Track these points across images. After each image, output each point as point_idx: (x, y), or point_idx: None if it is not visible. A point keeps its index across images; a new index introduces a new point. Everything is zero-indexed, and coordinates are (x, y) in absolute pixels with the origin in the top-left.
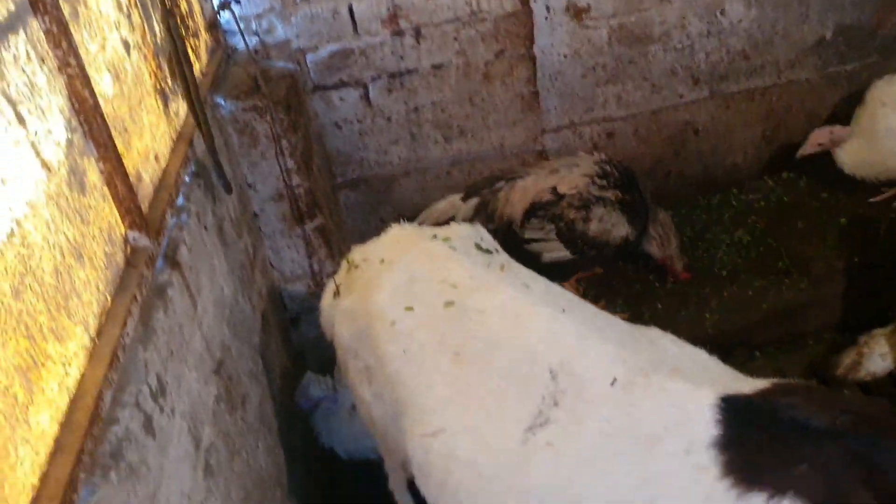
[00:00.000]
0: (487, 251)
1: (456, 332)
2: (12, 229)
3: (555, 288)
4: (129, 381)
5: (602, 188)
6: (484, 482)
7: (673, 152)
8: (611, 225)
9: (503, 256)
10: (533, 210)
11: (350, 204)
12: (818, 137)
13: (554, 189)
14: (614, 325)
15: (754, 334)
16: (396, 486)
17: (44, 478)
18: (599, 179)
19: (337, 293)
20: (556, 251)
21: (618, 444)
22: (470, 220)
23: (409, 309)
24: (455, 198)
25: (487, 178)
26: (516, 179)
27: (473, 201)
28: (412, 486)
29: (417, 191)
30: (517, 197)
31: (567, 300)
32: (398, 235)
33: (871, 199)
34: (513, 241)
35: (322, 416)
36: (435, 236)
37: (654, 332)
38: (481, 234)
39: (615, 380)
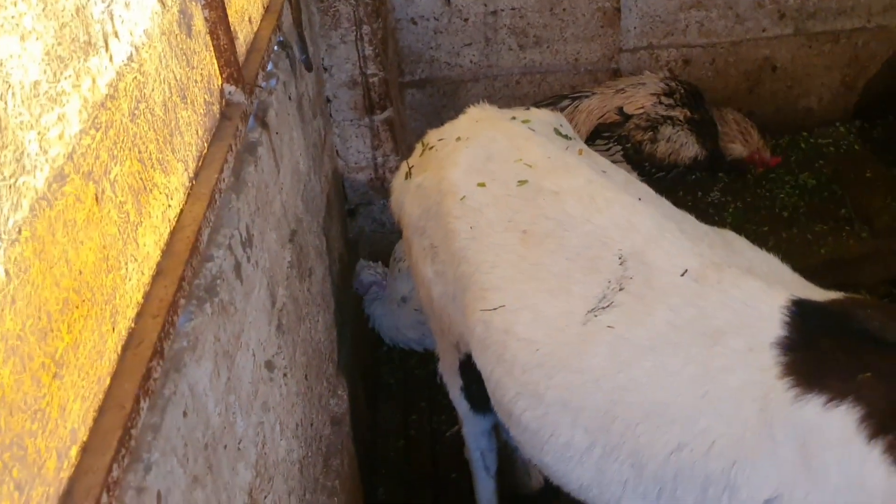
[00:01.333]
0: (567, 137)
1: (527, 211)
2: (131, 54)
3: (633, 179)
4: (223, 224)
5: (669, 107)
6: (539, 358)
7: (748, 89)
8: (679, 145)
9: (582, 143)
10: (598, 132)
11: (414, 104)
12: None
13: (620, 109)
14: (690, 221)
15: (808, 279)
16: (447, 368)
17: (147, 296)
18: (666, 98)
19: (409, 174)
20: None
21: (681, 335)
22: None
23: (482, 185)
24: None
25: (553, 97)
26: (581, 99)
27: None
28: (463, 368)
29: (484, 97)
30: (582, 118)
31: (645, 191)
32: (477, 115)
33: None
34: None
35: (371, 302)
36: (514, 118)
37: (730, 234)
38: (561, 121)
39: (686, 271)
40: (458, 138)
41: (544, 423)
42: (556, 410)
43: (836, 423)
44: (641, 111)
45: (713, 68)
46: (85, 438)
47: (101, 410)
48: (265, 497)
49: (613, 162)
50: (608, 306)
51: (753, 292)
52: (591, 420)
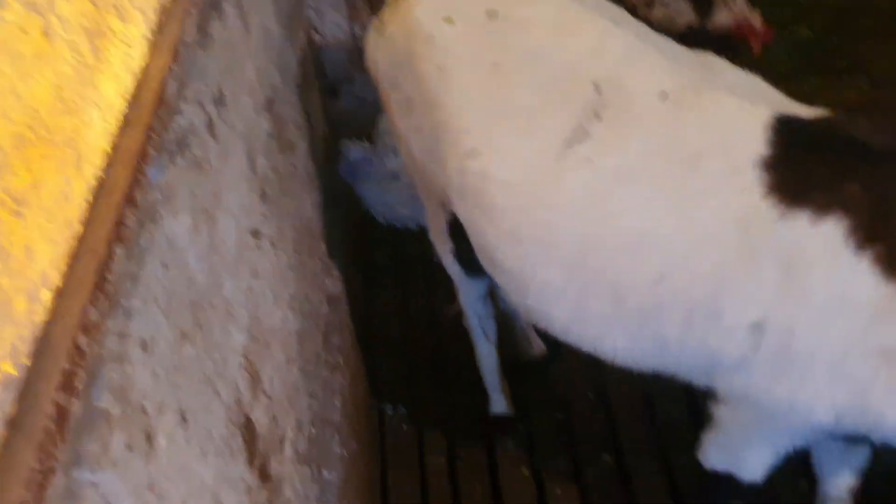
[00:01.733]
0: None
1: (496, 43)
2: None
3: (607, 3)
4: (191, 79)
5: None
6: (516, 199)
7: None
8: (675, 12)
9: None
10: None
11: None
12: None
13: None
14: (669, 43)
15: None
16: (436, 233)
17: (115, 147)
18: None
19: (380, 28)
20: None
21: (660, 161)
22: None
23: (449, 20)
24: None
25: None
26: None
27: None
28: (451, 229)
29: None
30: None
31: (622, 14)
32: None
33: None
34: None
35: (362, 181)
36: None
37: (711, 57)
38: None
39: (665, 94)
40: None
41: (525, 264)
42: (535, 250)
43: (822, 237)
44: None
45: None
46: (59, 283)
47: (75, 256)
48: (263, 361)
49: None
50: (584, 137)
51: (734, 112)
52: (570, 256)
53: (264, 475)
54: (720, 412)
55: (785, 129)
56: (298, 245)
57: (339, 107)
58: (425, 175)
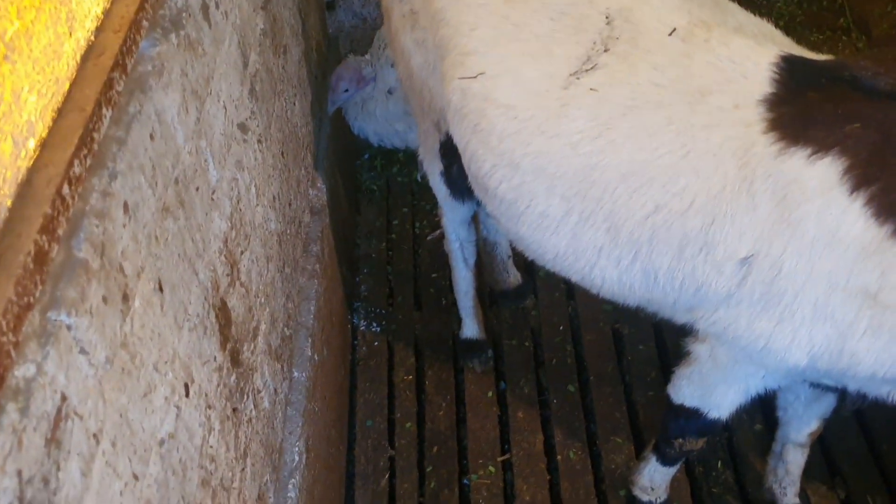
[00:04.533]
0: None
1: None
2: None
3: None
4: None
5: None
6: (517, 124)
7: None
8: None
9: None
10: None
11: None
12: None
13: None
14: None
15: None
16: (428, 151)
17: (107, 13)
18: None
19: None
20: None
21: (664, 95)
22: None
23: None
24: None
25: None
26: None
27: None
28: (444, 150)
29: None
30: None
31: None
32: None
33: None
34: None
35: (357, 101)
36: None
37: (725, 1)
38: None
39: (675, 29)
40: None
41: (521, 192)
42: (532, 179)
43: (818, 175)
44: None
45: None
46: (44, 135)
47: (61, 112)
48: (242, 252)
49: None
50: (592, 68)
51: (742, 50)
52: (569, 186)
53: (236, 360)
54: (698, 349)
55: (790, 69)
56: (285, 147)
57: (338, 22)
58: (423, 92)
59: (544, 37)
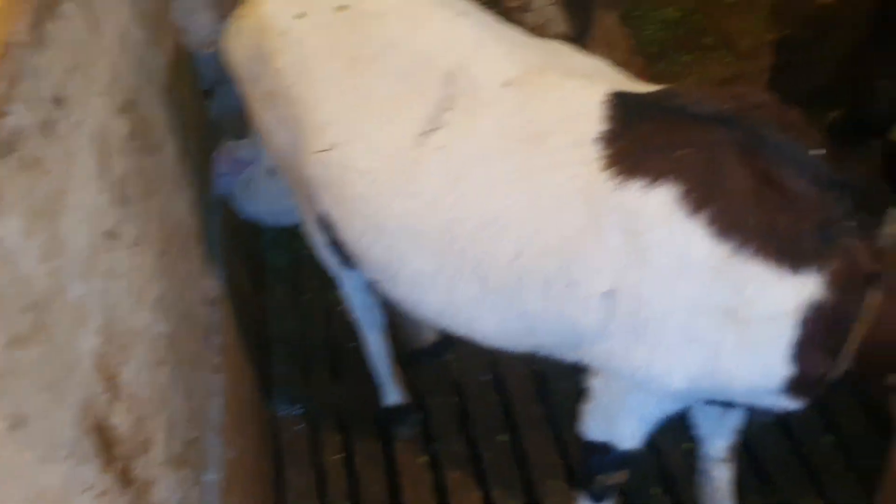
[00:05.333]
0: None
1: (349, 37)
2: None
3: None
4: (22, 79)
5: None
6: (378, 188)
7: None
8: (548, 20)
9: None
10: None
11: None
12: None
13: None
14: (515, 32)
15: None
16: (309, 225)
17: None
18: None
19: (236, 25)
20: None
21: (508, 143)
22: None
23: (301, 16)
24: None
25: None
26: None
27: None
28: (322, 222)
29: None
30: None
31: (468, 7)
32: None
33: None
34: None
35: (242, 184)
36: None
37: (556, 44)
38: None
39: (509, 81)
40: None
41: (392, 254)
42: (400, 239)
43: (657, 203)
44: None
45: None
46: None
47: None
48: (121, 364)
49: None
50: (438, 126)
51: (575, 92)
52: (435, 242)
53: (126, 479)
54: (593, 384)
55: (621, 104)
56: (168, 245)
57: (217, 107)
58: (293, 169)
59: (390, 101)
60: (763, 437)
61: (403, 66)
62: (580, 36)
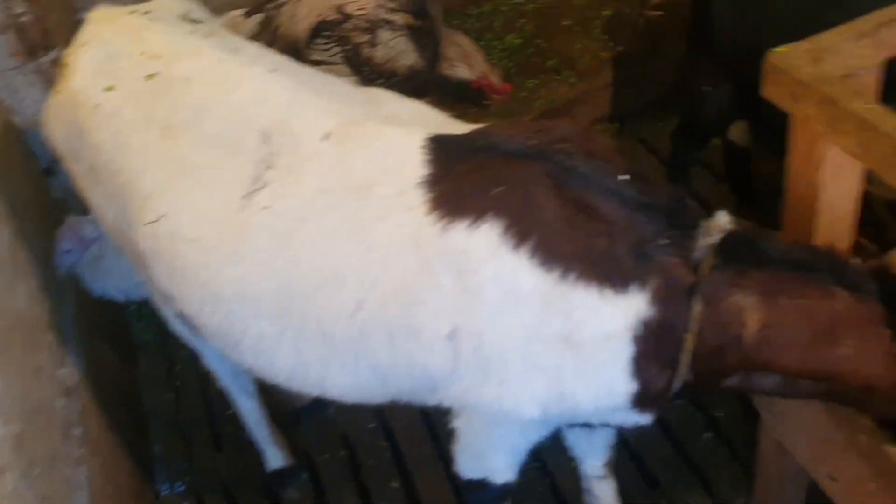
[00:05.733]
0: (195, 21)
1: (162, 104)
2: None
3: (268, 51)
4: None
5: (391, 11)
6: (207, 255)
7: None
8: (397, 52)
9: (213, 25)
10: (320, 30)
11: None
12: None
13: (341, 8)
14: (332, 83)
15: None
16: (156, 299)
17: None
18: (390, 1)
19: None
20: (344, 77)
21: (332, 197)
22: (254, 37)
23: (111, 88)
24: (236, 14)
25: None
26: None
27: (257, 17)
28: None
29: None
30: (303, 13)
31: (281, 61)
32: (97, 17)
33: None
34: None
35: (88, 261)
36: (133, 11)
37: (375, 90)
38: (190, 6)
39: (328, 134)
40: (83, 45)
41: (232, 321)
42: (238, 306)
43: (481, 242)
44: (362, 12)
45: None
46: None
47: None
48: None
49: (333, 64)
50: (261, 187)
51: (394, 139)
52: (272, 306)
53: None
54: (458, 425)
55: (439, 148)
56: (11, 340)
57: (61, 183)
58: (126, 243)
59: (210, 166)
60: (646, 443)
61: (219, 129)
62: (431, 65)
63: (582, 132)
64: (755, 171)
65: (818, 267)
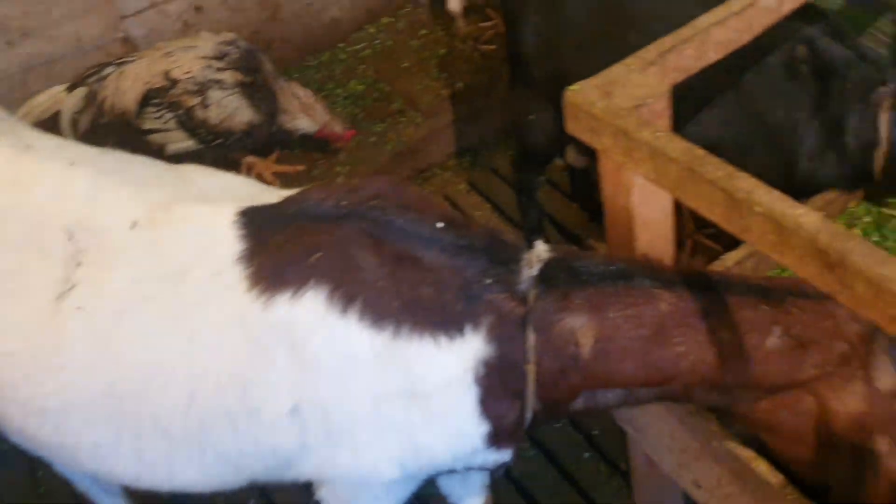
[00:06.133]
0: None
1: None
2: None
3: (67, 143)
4: None
5: (219, 70)
6: (24, 368)
7: (270, 17)
8: (231, 110)
9: (7, 122)
10: (149, 98)
11: None
12: None
13: (167, 74)
14: (138, 166)
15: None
16: None
17: None
18: (217, 61)
19: None
20: (180, 142)
21: (148, 287)
22: (79, 112)
23: None
24: (58, 89)
25: (96, 66)
26: (127, 64)
27: (80, 91)
28: None
29: None
30: (128, 84)
31: (79, 152)
32: None
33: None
34: (131, 135)
35: None
36: None
37: (185, 168)
38: None
39: (135, 222)
40: None
41: (63, 433)
42: (65, 416)
43: (307, 311)
44: (189, 75)
45: (227, 8)
46: None
47: None
48: None
49: (167, 130)
50: (72, 287)
51: (205, 218)
52: (103, 410)
53: None
54: (323, 496)
55: (251, 221)
56: None
57: None
58: None
59: (15, 272)
60: (530, 473)
61: (20, 232)
62: (271, 119)
63: (394, 186)
64: (599, 188)
65: (637, 275)
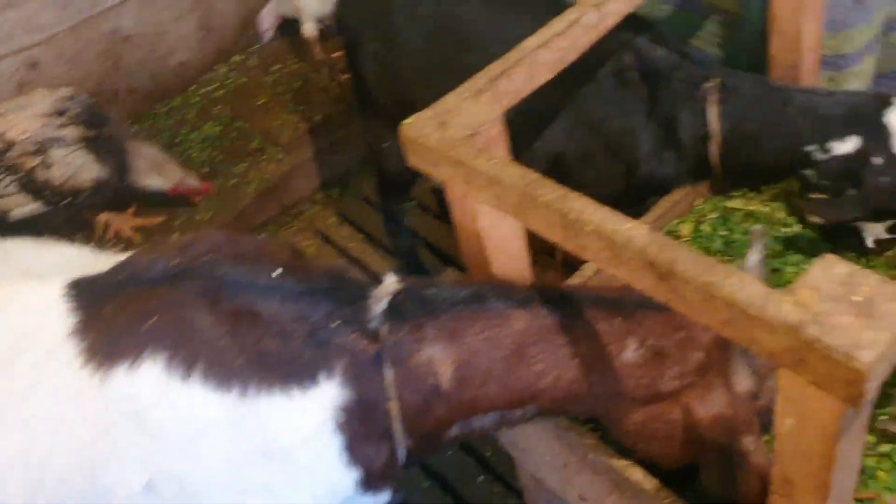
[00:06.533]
0: None
1: None
2: None
3: None
4: None
5: (60, 127)
6: None
7: (112, 67)
8: (77, 167)
9: None
10: None
11: None
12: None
13: (2, 136)
14: None
15: (253, 217)
16: None
17: None
18: (57, 118)
19: None
20: (24, 205)
21: None
22: None
23: None
24: None
25: None
26: None
27: None
28: None
29: None
30: None
31: None
32: None
33: (316, 56)
34: None
35: None
36: None
37: (6, 244)
38: None
39: None
40: None
41: None
42: None
43: (146, 379)
44: (27, 135)
45: (64, 61)
46: None
47: None
48: None
49: (8, 195)
50: None
51: (30, 297)
52: None
53: None
54: None
55: (81, 293)
56: None
57: None
58: None
59: None
60: (426, 502)
61: None
62: (121, 173)
63: (228, 238)
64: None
65: (489, 297)
